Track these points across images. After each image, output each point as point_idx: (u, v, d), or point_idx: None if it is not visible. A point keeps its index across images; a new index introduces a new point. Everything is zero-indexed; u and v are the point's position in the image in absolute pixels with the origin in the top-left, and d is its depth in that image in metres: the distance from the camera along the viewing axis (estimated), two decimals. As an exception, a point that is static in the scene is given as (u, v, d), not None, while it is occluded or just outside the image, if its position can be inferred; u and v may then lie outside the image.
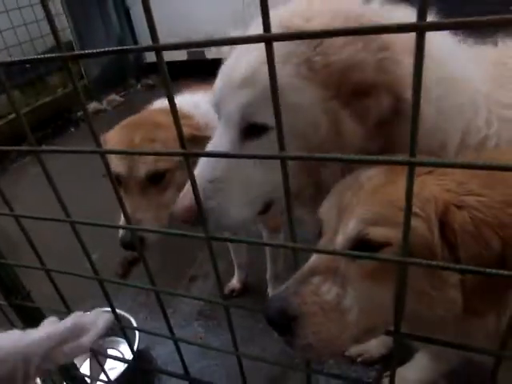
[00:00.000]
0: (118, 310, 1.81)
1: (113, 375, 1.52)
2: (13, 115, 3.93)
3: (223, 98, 0.90)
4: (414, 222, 0.61)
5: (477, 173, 0.65)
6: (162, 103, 1.63)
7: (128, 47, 0.54)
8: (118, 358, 1.59)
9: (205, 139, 1.09)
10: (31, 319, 1.10)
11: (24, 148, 0.69)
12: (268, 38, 0.43)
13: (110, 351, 1.83)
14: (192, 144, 1.37)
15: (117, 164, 1.36)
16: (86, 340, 0.85)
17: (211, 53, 4.40)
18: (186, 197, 0.88)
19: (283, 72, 0.77)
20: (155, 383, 1.69)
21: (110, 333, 1.84)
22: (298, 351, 0.66)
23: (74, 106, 4.40)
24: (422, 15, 0.35)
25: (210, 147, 0.94)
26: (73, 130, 4.31)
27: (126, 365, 1.52)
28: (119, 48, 0.54)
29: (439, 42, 0.83)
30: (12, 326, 1.13)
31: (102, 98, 4.71)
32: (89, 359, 1.73)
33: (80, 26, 4.47)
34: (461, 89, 0.86)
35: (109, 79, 4.83)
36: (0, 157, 3.61)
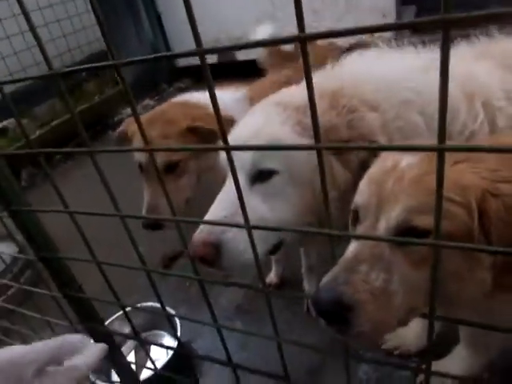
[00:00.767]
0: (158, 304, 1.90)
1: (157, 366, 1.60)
2: (55, 122, 4.14)
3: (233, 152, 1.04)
4: (456, 209, 0.64)
5: (506, 161, 0.67)
6: (181, 97, 1.83)
7: (172, 53, 0.59)
8: (163, 345, 1.67)
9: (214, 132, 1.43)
10: (84, 311, 1.17)
11: (80, 149, 0.75)
12: (303, 38, 0.47)
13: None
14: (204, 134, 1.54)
15: (140, 154, 1.61)
16: (82, 362, 0.78)
17: (242, 55, 4.46)
18: (202, 231, 1.00)
19: (283, 131, 0.99)
20: (197, 375, 1.76)
21: (152, 326, 1.93)
22: (352, 339, 0.69)
23: (110, 111, 4.57)
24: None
25: (222, 191, 1.07)
26: (111, 133, 4.47)
27: (169, 355, 1.59)
28: (163, 54, 0.59)
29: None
30: (66, 318, 1.21)
31: (137, 103, 4.87)
32: (133, 350, 1.83)
33: (114, 34, 4.64)
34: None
35: (142, 85, 4.98)
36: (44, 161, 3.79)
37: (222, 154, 1.15)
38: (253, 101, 1.58)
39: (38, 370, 0.70)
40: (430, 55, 1.07)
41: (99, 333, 1.21)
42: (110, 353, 1.29)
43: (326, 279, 0.69)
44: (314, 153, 0.98)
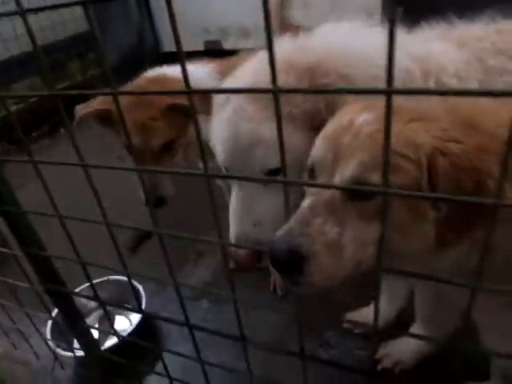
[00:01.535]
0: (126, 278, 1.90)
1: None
2: (34, 99, 4.05)
3: (235, 160, 1.10)
4: (406, 165, 0.68)
5: (457, 121, 0.70)
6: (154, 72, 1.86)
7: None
8: (127, 307, 1.73)
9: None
10: (45, 271, 1.16)
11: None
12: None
13: (119, 317, 1.92)
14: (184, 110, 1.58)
15: (133, 137, 1.57)
16: None
17: (228, 43, 4.46)
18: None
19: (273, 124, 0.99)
20: (161, 346, 1.77)
21: (119, 301, 1.92)
22: (303, 289, 0.71)
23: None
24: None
25: (234, 199, 1.13)
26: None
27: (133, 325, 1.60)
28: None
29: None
30: (27, 279, 1.20)
31: (121, 85, 4.79)
32: (97, 322, 1.83)
33: (100, 14, 4.56)
34: None
35: (126, 67, 4.91)
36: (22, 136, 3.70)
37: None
38: (222, 75, 1.60)
39: None
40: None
41: (60, 295, 1.21)
42: (70, 318, 1.29)
43: (281, 232, 0.71)
44: (298, 137, 1.02)
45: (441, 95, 0.44)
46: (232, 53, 1.95)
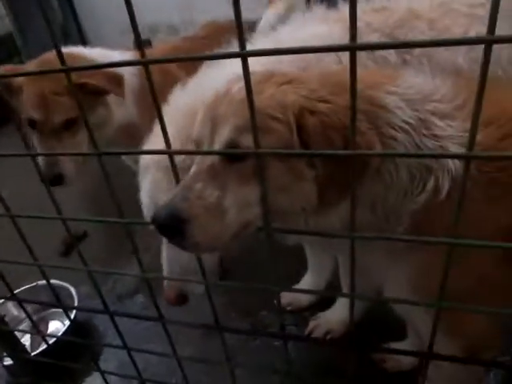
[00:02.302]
0: (58, 281, 1.85)
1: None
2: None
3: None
4: (277, 126, 0.72)
5: (327, 83, 0.76)
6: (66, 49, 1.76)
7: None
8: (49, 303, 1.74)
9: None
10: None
11: None
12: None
13: (53, 322, 1.87)
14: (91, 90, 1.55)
15: (33, 110, 1.57)
16: None
17: (157, 41, 4.41)
18: (171, 288, 1.18)
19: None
20: (96, 348, 1.74)
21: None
22: (189, 250, 0.75)
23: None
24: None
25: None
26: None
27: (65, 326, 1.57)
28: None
29: None
30: None
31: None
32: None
33: (20, 16, 4.34)
34: None
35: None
36: None
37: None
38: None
39: None
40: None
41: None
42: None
43: (166, 198, 0.74)
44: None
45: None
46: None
